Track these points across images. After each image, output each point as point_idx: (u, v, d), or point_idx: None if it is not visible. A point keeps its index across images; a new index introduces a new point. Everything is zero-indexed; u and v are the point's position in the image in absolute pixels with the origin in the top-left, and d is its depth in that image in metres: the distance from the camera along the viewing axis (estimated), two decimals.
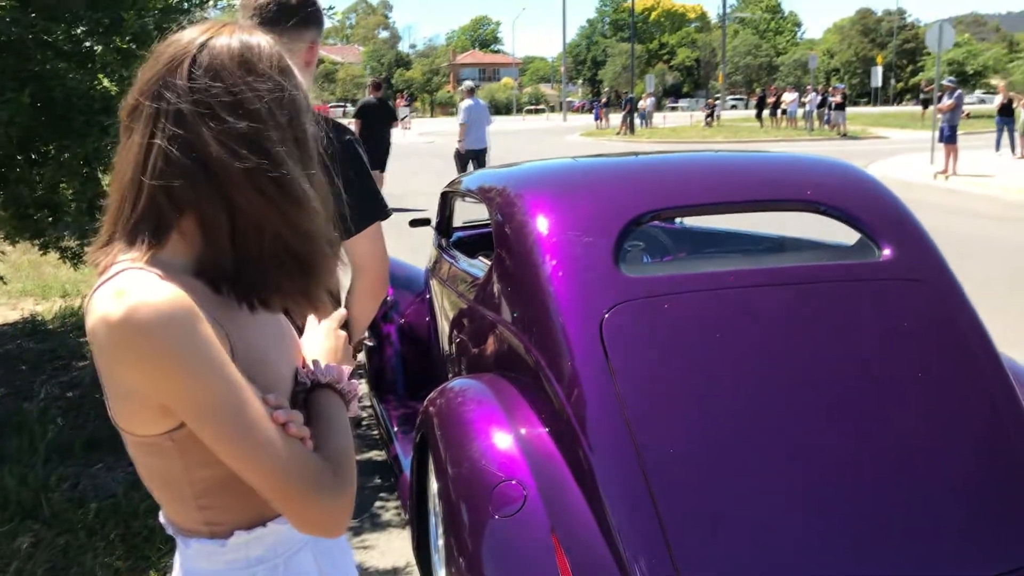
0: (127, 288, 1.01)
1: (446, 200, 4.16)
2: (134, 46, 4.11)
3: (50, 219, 4.76)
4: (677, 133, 32.87)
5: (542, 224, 2.53)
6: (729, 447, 2.09)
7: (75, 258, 5.01)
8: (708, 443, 2.09)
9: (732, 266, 2.55)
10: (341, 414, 1.22)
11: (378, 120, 12.12)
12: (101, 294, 1.03)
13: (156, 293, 1.01)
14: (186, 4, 4.44)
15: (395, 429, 3.78)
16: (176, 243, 1.10)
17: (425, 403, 2.60)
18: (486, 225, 4.31)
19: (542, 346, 2.34)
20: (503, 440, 2.22)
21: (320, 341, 1.33)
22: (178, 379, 1.01)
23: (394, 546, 3.27)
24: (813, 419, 2.17)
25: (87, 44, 4.27)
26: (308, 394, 1.22)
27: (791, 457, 2.09)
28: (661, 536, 1.90)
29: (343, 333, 1.36)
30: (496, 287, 2.76)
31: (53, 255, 5.10)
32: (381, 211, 2.18)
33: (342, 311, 1.39)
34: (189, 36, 1.12)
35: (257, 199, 1.07)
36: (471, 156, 12.63)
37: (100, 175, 4.38)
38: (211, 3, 4.63)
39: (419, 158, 22.62)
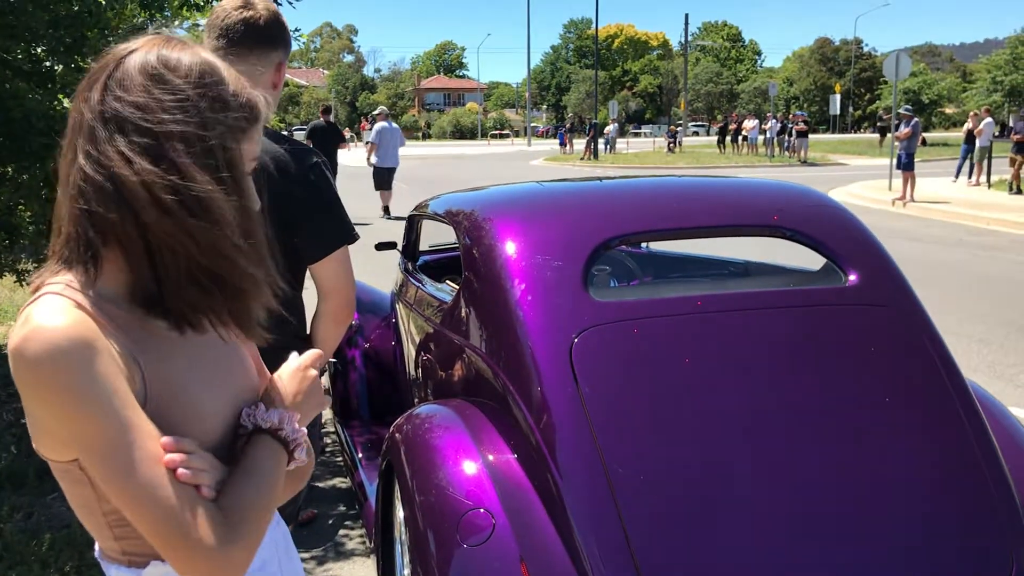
0: (31, 316, 1.01)
1: (413, 223, 4.14)
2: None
3: (6, 241, 4.66)
4: (640, 159, 33.16)
5: (511, 248, 2.52)
6: (700, 472, 2.08)
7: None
8: (679, 469, 2.08)
9: (699, 291, 2.55)
10: (269, 464, 1.15)
11: (327, 141, 13.35)
12: (18, 318, 1.04)
13: (53, 324, 1.00)
14: (150, 24, 4.40)
15: (359, 455, 3.73)
16: (108, 266, 1.08)
17: (391, 429, 2.56)
18: (453, 249, 4.29)
19: (510, 371, 2.32)
20: (471, 467, 2.19)
21: (283, 381, 1.27)
22: (63, 413, 1.00)
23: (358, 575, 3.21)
24: (781, 443, 2.17)
25: (47, 64, 4.20)
26: (248, 437, 1.17)
27: (762, 482, 2.09)
28: (632, 564, 1.88)
29: (312, 374, 1.28)
30: (464, 311, 2.73)
31: (8, 278, 4.99)
32: (348, 234, 2.15)
33: (316, 351, 1.32)
34: (115, 50, 1.11)
35: (163, 217, 1.05)
36: (386, 174, 14.77)
37: None
38: (177, 23, 4.59)
39: None
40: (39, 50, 4.16)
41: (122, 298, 1.08)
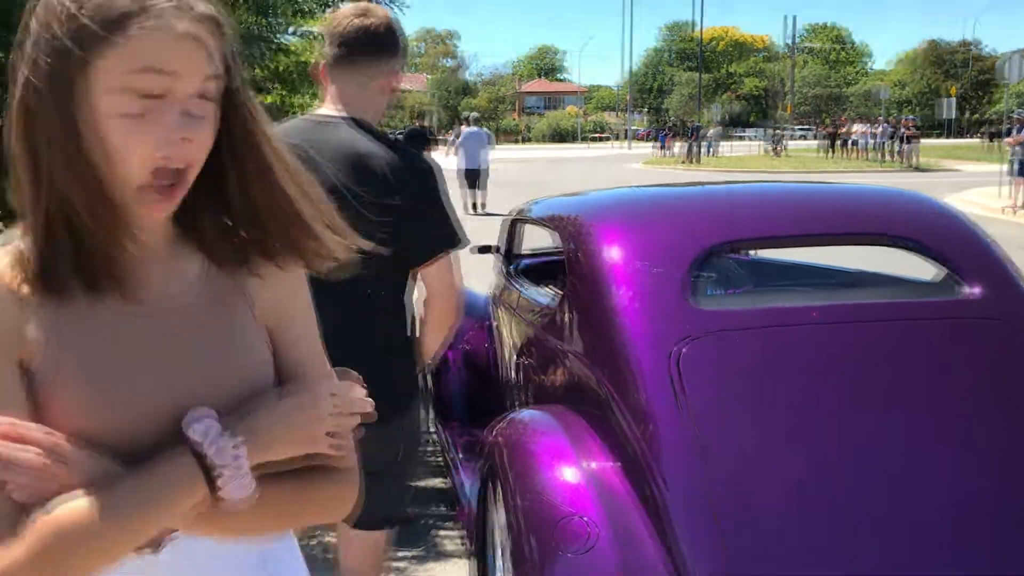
0: None
1: (512, 227, 4.15)
2: None
3: None
4: (742, 163, 32.58)
5: (614, 253, 2.50)
6: (807, 488, 2.03)
7: None
8: (785, 483, 2.03)
9: (807, 300, 2.49)
10: (156, 482, 0.92)
11: (417, 146, 13.93)
12: None
13: None
14: (262, 30, 4.52)
15: (457, 456, 3.75)
16: None
17: (491, 433, 2.57)
18: (551, 253, 4.29)
19: (612, 378, 2.30)
20: (571, 474, 2.18)
21: (279, 409, 1.02)
22: None
23: None
24: (892, 458, 2.10)
25: None
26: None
27: (871, 498, 2.03)
28: None
29: (315, 412, 1.02)
30: (565, 316, 2.72)
31: None
32: (454, 238, 2.16)
33: (337, 384, 1.08)
34: None
35: None
36: (468, 174, 16.13)
37: None
38: (289, 30, 4.71)
39: None
40: None
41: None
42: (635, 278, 2.40)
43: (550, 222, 3.14)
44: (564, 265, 2.75)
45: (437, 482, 4.11)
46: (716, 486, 1.97)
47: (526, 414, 2.58)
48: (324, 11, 4.57)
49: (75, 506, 0.88)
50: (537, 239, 4.18)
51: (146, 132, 0.92)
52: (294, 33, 4.76)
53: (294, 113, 4.23)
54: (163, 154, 0.93)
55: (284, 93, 4.47)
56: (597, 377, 2.36)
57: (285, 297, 1.11)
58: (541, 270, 4.22)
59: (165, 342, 1.00)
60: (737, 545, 1.89)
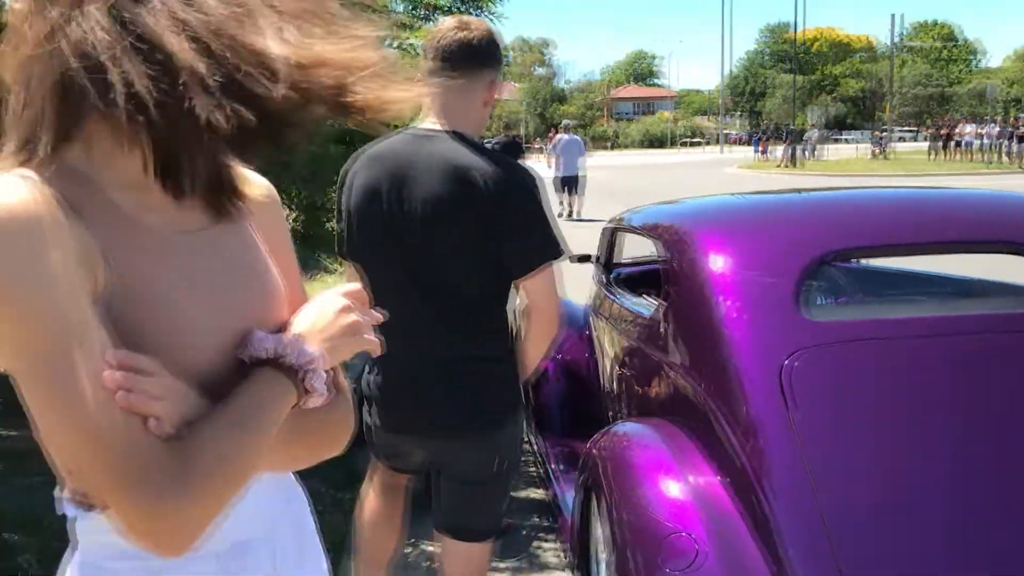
0: None
1: (609, 237, 4.11)
2: None
3: None
4: (842, 166, 31.72)
5: (717, 263, 2.44)
6: (920, 505, 1.95)
7: None
8: (897, 502, 1.95)
9: (920, 311, 2.40)
10: (260, 399, 0.91)
11: (511, 156, 14.39)
12: None
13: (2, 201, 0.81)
14: None
15: (554, 467, 3.74)
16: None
17: (590, 445, 2.55)
18: (650, 262, 4.23)
19: (716, 392, 2.24)
20: (674, 489, 2.14)
21: (305, 311, 1.02)
22: None
23: None
24: (1014, 476, 2.00)
25: None
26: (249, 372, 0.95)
27: (990, 516, 1.93)
28: None
29: (352, 317, 1.02)
30: (666, 327, 2.68)
31: None
32: (554, 250, 2.15)
33: (354, 286, 1.08)
34: None
35: None
36: (565, 181, 16.26)
37: None
38: (387, 43, 4.78)
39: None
40: None
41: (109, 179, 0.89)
42: (743, 288, 2.35)
43: (652, 231, 3.10)
44: (666, 275, 2.71)
45: (535, 493, 4.10)
46: (828, 502, 1.90)
47: (627, 427, 2.55)
48: (422, 26, 4.62)
49: (212, 434, 0.86)
50: (635, 248, 4.13)
51: None
52: (391, 46, 4.82)
53: (394, 127, 4.28)
54: None
55: None
56: (703, 390, 2.31)
57: (273, 224, 1.11)
58: (640, 279, 4.17)
59: (214, 267, 0.98)
60: (850, 562, 1.83)
